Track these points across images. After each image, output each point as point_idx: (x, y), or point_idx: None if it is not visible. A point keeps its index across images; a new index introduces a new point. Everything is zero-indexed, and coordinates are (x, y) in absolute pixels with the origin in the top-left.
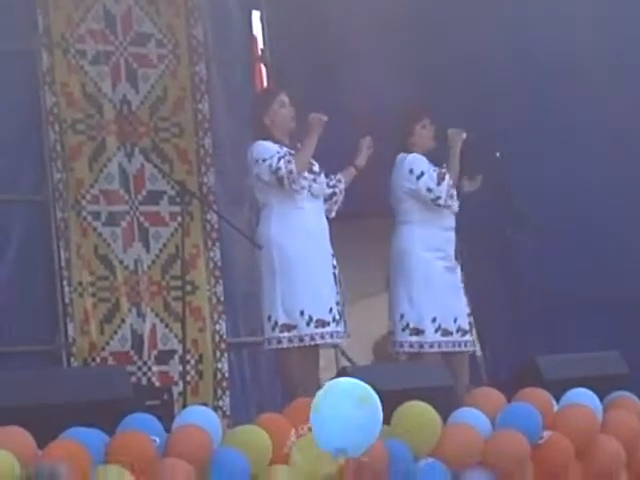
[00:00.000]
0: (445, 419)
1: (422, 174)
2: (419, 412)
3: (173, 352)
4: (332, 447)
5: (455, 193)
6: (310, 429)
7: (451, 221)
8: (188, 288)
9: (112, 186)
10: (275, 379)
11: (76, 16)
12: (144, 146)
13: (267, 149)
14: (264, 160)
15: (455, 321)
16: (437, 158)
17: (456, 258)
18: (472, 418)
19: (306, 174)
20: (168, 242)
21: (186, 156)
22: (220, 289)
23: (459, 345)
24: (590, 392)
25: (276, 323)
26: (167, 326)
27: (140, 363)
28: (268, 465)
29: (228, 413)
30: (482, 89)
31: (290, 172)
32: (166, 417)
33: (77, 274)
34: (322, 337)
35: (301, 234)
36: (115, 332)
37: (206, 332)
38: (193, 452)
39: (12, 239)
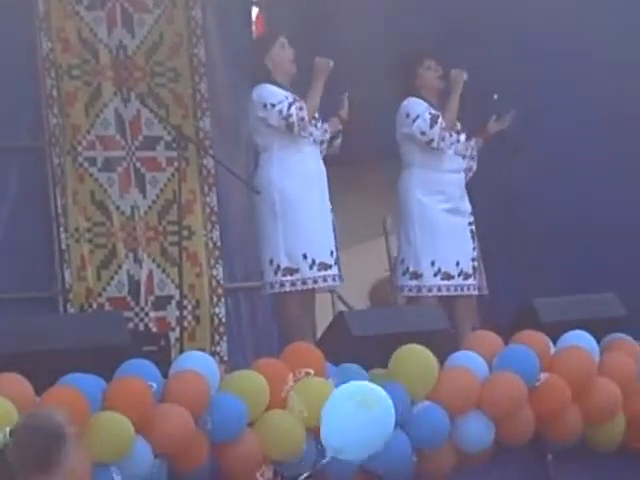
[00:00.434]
0: (442, 362)
1: (417, 117)
2: (416, 356)
3: (170, 298)
4: (330, 446)
5: (448, 135)
6: (307, 373)
7: (455, 163)
8: (185, 233)
9: (108, 132)
10: (272, 324)
11: None
12: (140, 91)
13: (275, 94)
14: (273, 105)
15: (457, 264)
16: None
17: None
18: (469, 361)
19: None
20: (165, 187)
21: (182, 101)
22: (217, 234)
23: (461, 289)
24: (587, 334)
25: (278, 267)
26: (164, 271)
27: (137, 309)
28: (265, 410)
29: (225, 358)
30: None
31: (302, 119)
32: (163, 363)
33: (73, 220)
34: (324, 280)
35: (302, 178)
36: (112, 278)
37: (203, 277)
38: (190, 397)
39: (8, 185)
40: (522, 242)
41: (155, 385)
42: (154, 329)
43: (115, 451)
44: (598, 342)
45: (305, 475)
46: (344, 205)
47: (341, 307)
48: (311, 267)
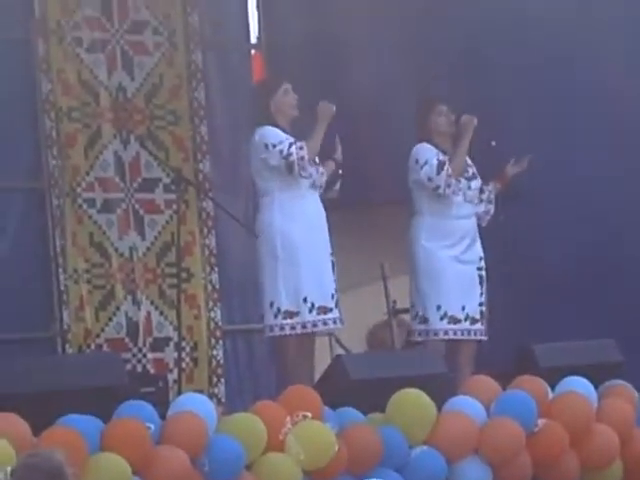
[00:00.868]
0: (440, 407)
1: (425, 163)
2: (414, 400)
3: (168, 339)
4: None
5: (454, 182)
6: (305, 416)
7: (464, 209)
8: (183, 275)
9: (107, 174)
10: (270, 366)
11: (72, 3)
12: (140, 133)
13: (276, 134)
14: (274, 145)
15: (463, 309)
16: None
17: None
18: (467, 406)
19: None
20: (163, 230)
21: (182, 144)
22: (215, 277)
23: (468, 333)
24: (585, 380)
25: (279, 310)
26: (162, 313)
27: (135, 350)
28: (263, 453)
29: (223, 400)
30: (483, 74)
31: (301, 158)
32: (161, 404)
33: (72, 261)
34: (325, 323)
35: (303, 222)
36: (110, 319)
37: (201, 319)
38: (188, 439)
39: (8, 226)
40: (520, 287)
41: (153, 426)
42: (152, 370)
43: None
44: (596, 388)
45: None
46: (342, 248)
47: (339, 350)
48: (311, 311)
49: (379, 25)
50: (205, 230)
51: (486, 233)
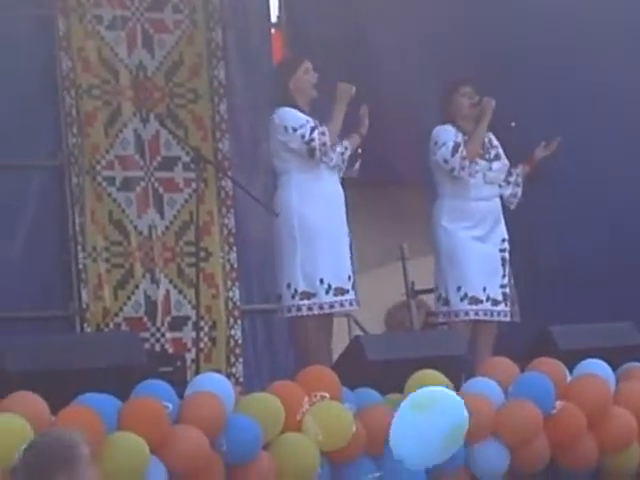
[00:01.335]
0: (458, 388)
1: (442, 145)
2: (431, 381)
3: (186, 318)
4: (399, 456)
5: (467, 163)
6: (323, 397)
7: (484, 191)
8: (202, 254)
9: (127, 152)
10: (288, 346)
11: None
12: (159, 112)
13: (297, 117)
14: (294, 129)
15: (484, 290)
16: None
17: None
18: (485, 388)
19: None
20: (182, 208)
21: (201, 122)
22: (234, 256)
23: (491, 314)
24: (603, 363)
25: (296, 291)
26: (181, 292)
27: (153, 329)
28: (281, 433)
29: (241, 380)
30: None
31: (323, 144)
32: (179, 384)
33: (91, 239)
34: (341, 305)
35: (321, 202)
36: (129, 298)
37: (219, 299)
38: (206, 419)
39: (27, 204)
40: (541, 269)
41: (171, 406)
42: (170, 350)
43: (130, 471)
44: (615, 371)
45: None
46: (362, 229)
47: (357, 331)
48: (327, 292)
49: (403, 2)
50: (224, 209)
51: (509, 215)
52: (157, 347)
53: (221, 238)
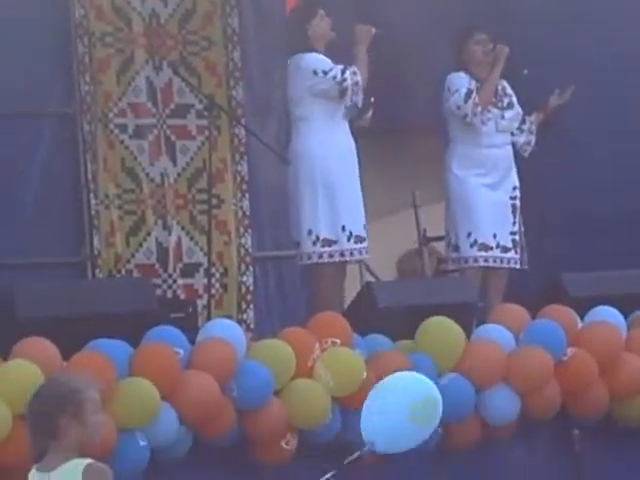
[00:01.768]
0: (469, 335)
1: (456, 92)
2: (443, 328)
3: (198, 265)
4: (368, 438)
5: (479, 110)
6: (334, 343)
7: (496, 139)
8: (214, 202)
9: (139, 99)
10: (300, 293)
11: None
12: (172, 59)
13: (325, 61)
14: (325, 72)
15: (495, 237)
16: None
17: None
18: (496, 334)
19: None
20: (195, 156)
21: (215, 69)
22: (246, 203)
23: (500, 261)
24: (615, 310)
25: (317, 238)
26: (192, 239)
27: (165, 276)
28: (292, 379)
29: (252, 326)
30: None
31: (356, 84)
32: (190, 330)
33: (103, 187)
34: (360, 252)
35: (340, 150)
36: (140, 245)
37: (231, 245)
38: (217, 365)
39: (39, 151)
40: (552, 217)
41: (182, 352)
42: (182, 296)
43: (141, 417)
44: (626, 318)
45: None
46: (374, 176)
47: (369, 278)
48: (349, 239)
49: None
50: (237, 156)
51: (520, 163)
52: (169, 293)
53: (234, 185)
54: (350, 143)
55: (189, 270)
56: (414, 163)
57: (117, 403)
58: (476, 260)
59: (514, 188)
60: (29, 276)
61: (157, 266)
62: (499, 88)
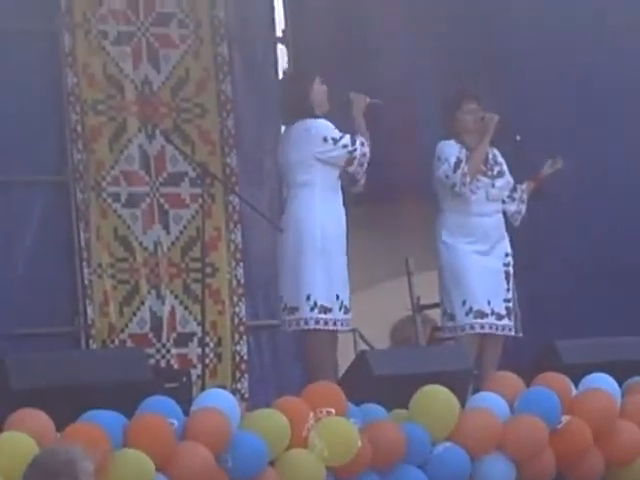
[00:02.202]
0: (463, 403)
1: (445, 161)
2: (437, 396)
3: (192, 334)
4: None
5: (468, 180)
6: (328, 412)
7: (486, 207)
8: (208, 270)
9: (132, 167)
10: (294, 362)
11: None
12: (165, 127)
13: (333, 128)
14: (335, 140)
15: (489, 303)
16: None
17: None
18: (490, 402)
19: None
20: (189, 224)
21: (209, 137)
22: (241, 271)
23: (496, 328)
24: (609, 377)
25: (315, 303)
26: (186, 308)
27: (159, 345)
28: (286, 449)
29: (247, 396)
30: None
31: (363, 155)
32: (185, 400)
33: (97, 255)
34: (347, 324)
35: (338, 216)
36: (134, 314)
37: (225, 315)
38: (211, 435)
39: (32, 220)
40: (545, 284)
41: (176, 422)
42: (176, 366)
43: None
44: (620, 385)
45: None
46: (367, 244)
47: (363, 346)
48: (340, 309)
49: (407, 17)
50: (231, 224)
51: (512, 229)
52: (163, 363)
53: (228, 254)
54: (343, 211)
55: (183, 340)
56: (407, 230)
57: (112, 474)
58: (472, 327)
59: (506, 255)
60: (23, 346)
61: (151, 335)
62: (489, 156)
